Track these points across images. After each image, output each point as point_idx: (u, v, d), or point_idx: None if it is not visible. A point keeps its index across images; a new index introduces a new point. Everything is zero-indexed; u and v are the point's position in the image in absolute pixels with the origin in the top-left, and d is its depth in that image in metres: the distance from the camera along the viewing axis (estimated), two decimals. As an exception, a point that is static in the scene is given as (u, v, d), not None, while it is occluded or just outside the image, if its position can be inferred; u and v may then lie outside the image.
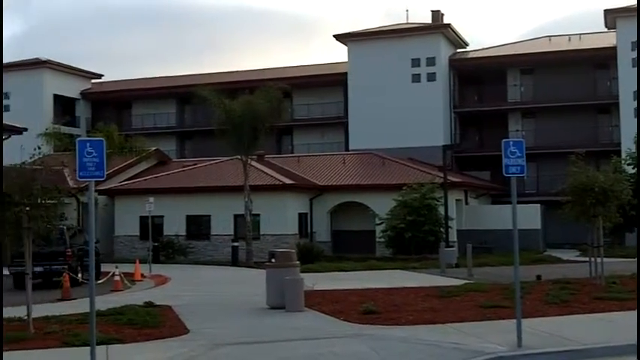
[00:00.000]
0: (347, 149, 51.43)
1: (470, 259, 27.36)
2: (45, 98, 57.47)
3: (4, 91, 57.98)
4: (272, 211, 37.46)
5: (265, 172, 39.22)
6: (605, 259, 21.64)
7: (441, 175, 35.85)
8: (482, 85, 53.63)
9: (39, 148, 17.22)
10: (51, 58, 59.23)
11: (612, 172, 24.00)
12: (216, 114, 36.07)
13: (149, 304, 17.94)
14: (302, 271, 18.86)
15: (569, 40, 52.43)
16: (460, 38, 53.62)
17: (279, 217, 37.61)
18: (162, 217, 38.34)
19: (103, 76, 63.70)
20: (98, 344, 11.15)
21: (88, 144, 11.04)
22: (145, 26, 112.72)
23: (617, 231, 32.89)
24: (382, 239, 37.11)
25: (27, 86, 56.95)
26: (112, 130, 47.01)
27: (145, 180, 41.99)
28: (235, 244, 35.27)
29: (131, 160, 45.20)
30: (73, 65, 60.95)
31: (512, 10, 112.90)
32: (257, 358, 12.06)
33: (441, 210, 35.06)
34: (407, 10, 62.60)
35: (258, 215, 37.16)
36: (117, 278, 24.17)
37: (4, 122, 39.62)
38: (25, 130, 36.04)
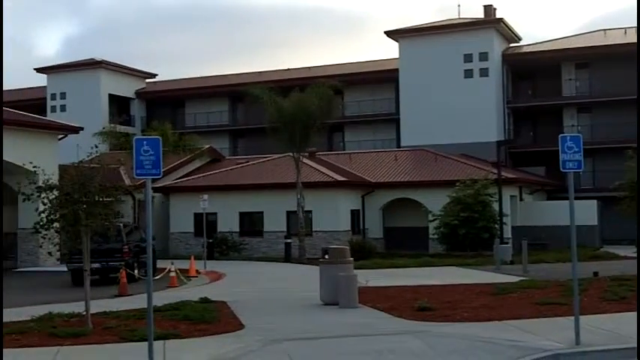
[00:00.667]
0: (398, 146, 51.23)
1: (525, 255, 27.01)
2: (101, 98, 58.43)
3: (61, 91, 59.46)
4: (324, 207, 37.54)
5: (317, 169, 39.30)
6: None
7: (495, 171, 35.45)
8: (536, 79, 52.88)
9: (96, 146, 17.45)
10: (106, 59, 60.28)
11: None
12: (268, 112, 36.23)
13: (205, 300, 18.14)
14: (355, 268, 18.84)
15: (625, 33, 51.34)
16: (513, 33, 52.93)
17: (331, 214, 37.67)
18: (215, 214, 38.69)
19: (157, 75, 64.61)
20: (155, 339, 11.28)
21: (144, 142, 11.16)
22: (197, 25, 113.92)
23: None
24: (435, 236, 36.91)
25: (83, 86, 58.16)
26: (166, 128, 47.81)
27: (199, 177, 42.42)
28: (288, 240, 35.41)
29: (185, 158, 45.78)
30: (128, 65, 61.92)
31: (565, 4, 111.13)
32: (313, 353, 12.06)
33: (495, 206, 34.70)
34: (459, 6, 61.55)
35: (311, 212, 37.24)
36: (172, 274, 24.43)
37: (60, 122, 40.52)
38: (81, 129, 37.02)
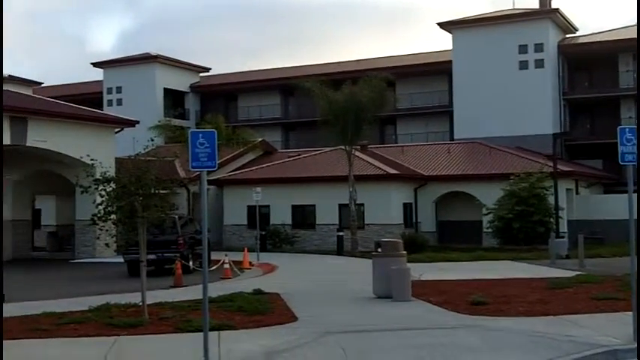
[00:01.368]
0: (452, 138, 50.81)
1: (581, 249, 26.54)
2: (156, 92, 59.18)
3: (117, 85, 60.41)
4: (376, 201, 37.46)
5: (369, 162, 39.22)
6: None
7: (550, 164, 34.88)
8: (593, 71, 51.86)
9: (152, 140, 17.71)
10: (161, 53, 61.05)
11: None
12: (320, 105, 36.26)
13: (258, 292, 18.27)
14: (408, 261, 18.77)
15: (685, 22, 50.01)
16: (569, 23, 52.00)
17: (384, 207, 37.58)
18: (268, 206, 38.86)
19: (210, 69, 65.28)
20: (210, 330, 11.38)
21: (200, 135, 11.24)
22: (250, 20, 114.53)
23: None
24: (489, 229, 36.51)
25: (139, 81, 59.01)
26: (219, 121, 48.24)
27: (252, 170, 42.69)
28: (340, 233, 35.40)
29: (238, 151, 46.14)
30: (182, 60, 62.61)
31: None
32: (365, 346, 12.05)
33: (551, 200, 34.16)
34: (513, -4, 60.72)
35: (363, 205, 37.20)
36: (226, 266, 24.69)
37: (116, 116, 41.24)
38: (137, 122, 37.62)
